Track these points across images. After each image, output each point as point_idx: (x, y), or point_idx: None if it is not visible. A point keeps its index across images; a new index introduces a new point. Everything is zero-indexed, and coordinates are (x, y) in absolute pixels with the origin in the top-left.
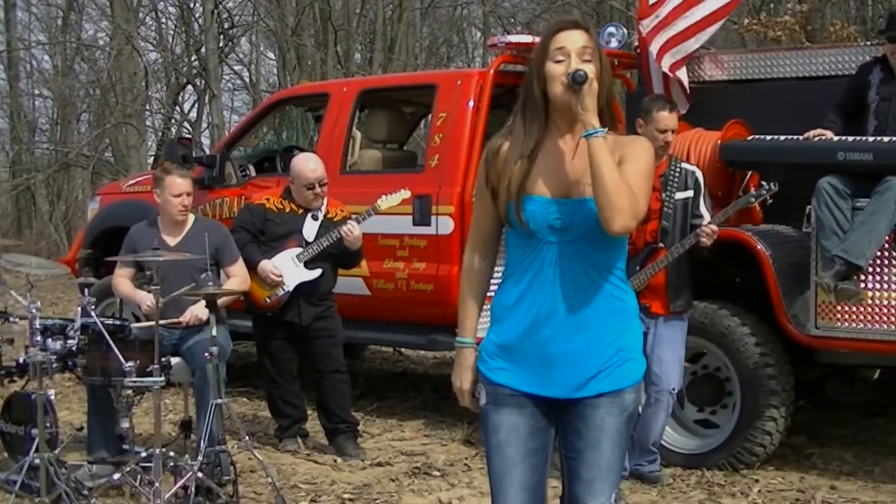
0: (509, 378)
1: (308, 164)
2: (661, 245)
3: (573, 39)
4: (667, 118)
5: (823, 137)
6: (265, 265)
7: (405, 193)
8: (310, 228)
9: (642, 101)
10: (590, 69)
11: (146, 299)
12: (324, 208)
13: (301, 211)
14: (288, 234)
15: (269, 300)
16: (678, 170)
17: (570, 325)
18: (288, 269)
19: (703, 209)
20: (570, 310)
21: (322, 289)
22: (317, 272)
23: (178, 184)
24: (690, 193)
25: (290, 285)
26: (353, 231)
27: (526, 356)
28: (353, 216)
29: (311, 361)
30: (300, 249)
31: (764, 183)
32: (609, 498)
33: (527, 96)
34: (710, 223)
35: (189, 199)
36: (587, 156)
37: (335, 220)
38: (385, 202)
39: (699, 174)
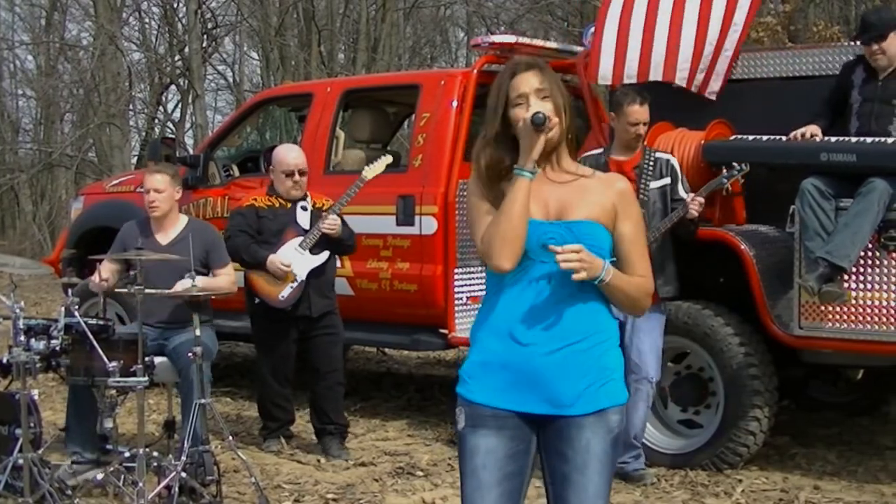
0: (491, 397)
1: (289, 153)
2: None
3: (529, 82)
4: (638, 111)
5: (816, 137)
6: (273, 259)
7: (388, 158)
8: (303, 218)
9: (614, 95)
10: (547, 108)
11: (96, 276)
12: (309, 200)
13: (290, 204)
14: (284, 228)
15: (283, 297)
16: (652, 159)
17: (554, 341)
18: (295, 259)
19: (682, 193)
20: (554, 326)
21: (328, 276)
22: (324, 255)
23: (149, 179)
24: (667, 181)
25: (301, 274)
26: (334, 224)
27: (509, 371)
28: (343, 197)
29: (311, 360)
30: (301, 238)
31: (735, 164)
32: None
33: (496, 138)
34: (695, 196)
35: (159, 195)
36: (575, 182)
37: (323, 209)
38: (370, 171)
39: (674, 161)
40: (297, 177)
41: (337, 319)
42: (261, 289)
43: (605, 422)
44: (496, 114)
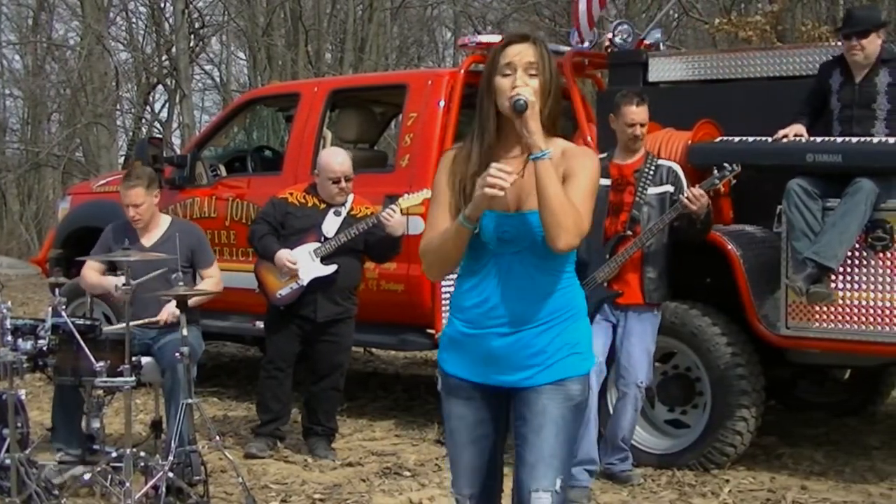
0: (458, 369)
1: (335, 158)
2: (629, 233)
3: (520, 54)
4: (634, 112)
5: (801, 137)
6: (282, 254)
7: (427, 193)
8: (330, 224)
9: (615, 97)
10: (533, 85)
11: (115, 281)
12: (348, 205)
13: (323, 206)
14: (307, 229)
15: (281, 295)
16: (653, 166)
17: (514, 321)
18: (304, 262)
19: None
20: (514, 307)
21: (341, 285)
22: (331, 268)
23: (126, 196)
24: (669, 188)
25: (304, 279)
26: (392, 215)
27: (472, 348)
28: (374, 214)
29: (312, 362)
30: (318, 244)
31: (726, 164)
32: (553, 483)
33: (479, 109)
34: (692, 189)
35: (139, 209)
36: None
37: (358, 217)
38: (407, 200)
39: (678, 169)
40: (343, 183)
41: (346, 329)
42: (263, 281)
43: (564, 390)
44: (488, 85)
